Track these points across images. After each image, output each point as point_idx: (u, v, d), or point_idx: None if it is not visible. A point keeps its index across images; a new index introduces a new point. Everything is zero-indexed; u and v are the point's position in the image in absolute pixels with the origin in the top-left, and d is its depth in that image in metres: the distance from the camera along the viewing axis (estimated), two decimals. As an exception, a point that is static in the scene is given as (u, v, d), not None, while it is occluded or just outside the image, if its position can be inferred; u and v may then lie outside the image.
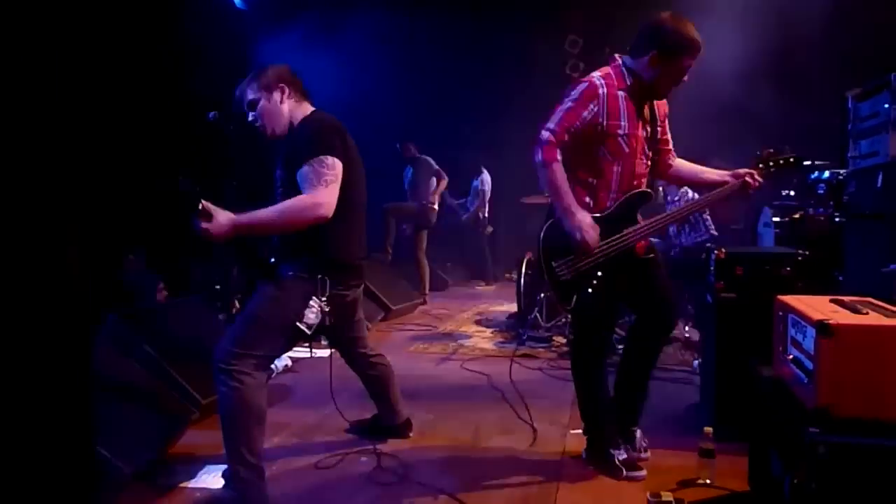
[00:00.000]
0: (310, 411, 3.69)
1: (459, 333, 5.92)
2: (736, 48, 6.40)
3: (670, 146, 3.05)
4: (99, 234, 4.56)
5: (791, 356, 2.24)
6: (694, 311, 5.00)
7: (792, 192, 5.18)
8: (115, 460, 2.59)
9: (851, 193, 3.95)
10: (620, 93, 2.77)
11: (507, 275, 9.14)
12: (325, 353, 3.30)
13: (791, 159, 2.88)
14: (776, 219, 4.89)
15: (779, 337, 2.39)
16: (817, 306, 2.17)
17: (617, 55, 2.86)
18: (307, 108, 2.86)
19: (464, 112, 8.88)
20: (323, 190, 2.59)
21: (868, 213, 3.60)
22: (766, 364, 2.54)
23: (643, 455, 2.97)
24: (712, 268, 3.29)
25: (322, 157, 2.61)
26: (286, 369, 4.50)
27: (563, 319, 5.38)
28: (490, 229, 9.13)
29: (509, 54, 8.59)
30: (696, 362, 4.38)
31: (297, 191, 2.62)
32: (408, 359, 4.97)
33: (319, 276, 2.71)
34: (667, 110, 3.01)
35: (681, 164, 3.08)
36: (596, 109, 2.73)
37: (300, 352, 4.50)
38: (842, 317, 2.03)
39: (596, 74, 2.81)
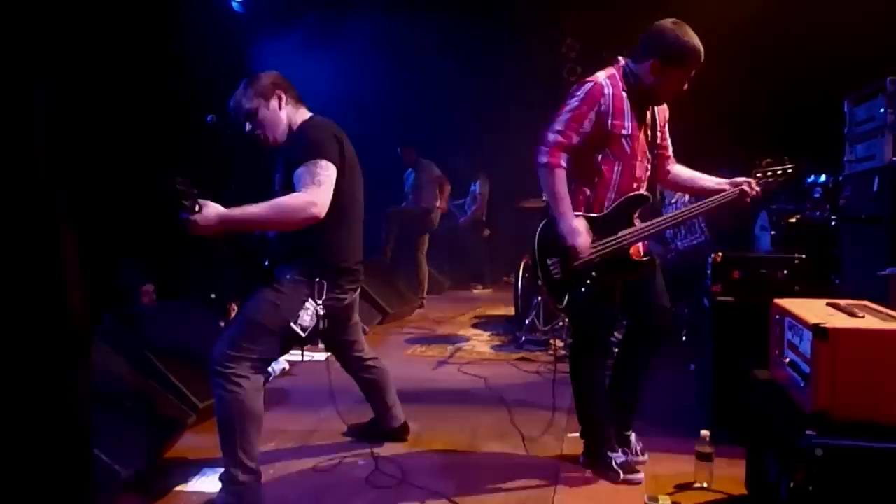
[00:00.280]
0: (307, 415, 3.69)
1: (457, 337, 5.92)
2: (732, 52, 6.41)
3: (669, 152, 3.06)
4: (95, 236, 4.56)
5: (788, 360, 2.24)
6: (690, 314, 5.00)
7: (788, 196, 5.19)
8: (111, 464, 2.59)
9: (847, 197, 3.96)
10: (624, 94, 2.77)
11: (505, 278, 9.14)
12: (322, 356, 3.30)
13: (789, 169, 2.88)
14: (773, 222, 4.90)
15: (775, 340, 2.40)
16: (814, 310, 2.17)
17: (621, 57, 2.87)
18: (305, 113, 2.87)
19: (462, 115, 8.88)
20: (316, 189, 2.58)
21: (864, 217, 3.61)
22: (763, 367, 2.55)
23: (641, 458, 2.97)
24: (709, 271, 3.30)
25: (317, 159, 2.62)
26: (283, 373, 4.50)
27: (561, 323, 5.38)
28: (487, 232, 9.14)
29: (507, 58, 8.59)
30: (692, 365, 4.38)
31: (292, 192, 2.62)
32: (405, 362, 4.97)
33: (316, 280, 2.71)
34: (667, 116, 3.01)
35: (679, 170, 3.09)
36: (602, 109, 2.73)
37: (297, 355, 4.49)
38: (838, 320, 2.04)
39: (601, 74, 2.81)
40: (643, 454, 2.99)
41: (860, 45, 5.86)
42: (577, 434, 3.07)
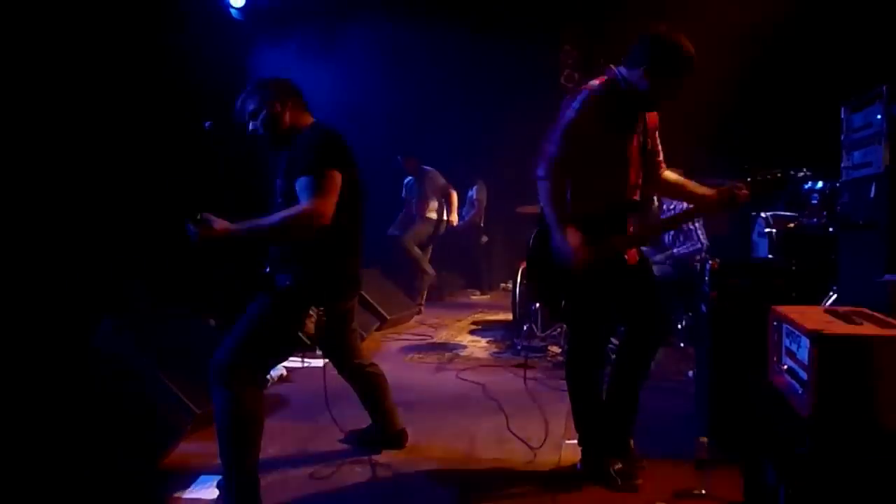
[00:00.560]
0: (305, 421, 3.68)
1: (455, 343, 5.92)
2: (729, 59, 6.43)
3: (661, 157, 3.06)
4: (95, 241, 4.56)
5: (785, 366, 2.24)
6: (688, 320, 5.01)
7: (786, 202, 5.20)
8: (109, 470, 2.58)
9: (844, 204, 3.96)
10: (617, 101, 2.78)
11: (503, 284, 9.14)
12: (319, 362, 3.30)
13: (779, 175, 2.90)
14: (770, 229, 4.90)
15: (773, 347, 2.40)
16: (811, 316, 2.17)
17: (612, 65, 2.88)
18: (308, 120, 2.88)
19: (459, 122, 8.89)
20: (320, 199, 2.59)
21: (861, 224, 3.61)
22: (761, 374, 2.54)
23: (638, 465, 2.96)
24: (707, 278, 3.30)
25: (322, 167, 2.62)
26: (281, 379, 4.48)
27: (559, 329, 5.38)
28: (485, 238, 9.14)
29: (505, 65, 8.61)
30: (690, 372, 4.38)
31: (296, 200, 2.62)
32: (403, 368, 4.96)
33: (316, 286, 2.71)
34: (657, 122, 3.02)
35: (669, 176, 3.09)
36: (596, 117, 2.74)
37: (294, 362, 4.49)
38: (836, 327, 2.03)
39: (594, 83, 2.83)
40: (641, 461, 2.99)
41: (858, 51, 5.88)
42: (575, 441, 3.06)
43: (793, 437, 2.03)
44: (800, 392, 2.09)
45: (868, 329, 2.03)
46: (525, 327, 5.57)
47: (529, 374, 4.70)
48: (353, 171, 2.82)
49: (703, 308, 3.40)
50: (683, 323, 5.11)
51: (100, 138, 4.74)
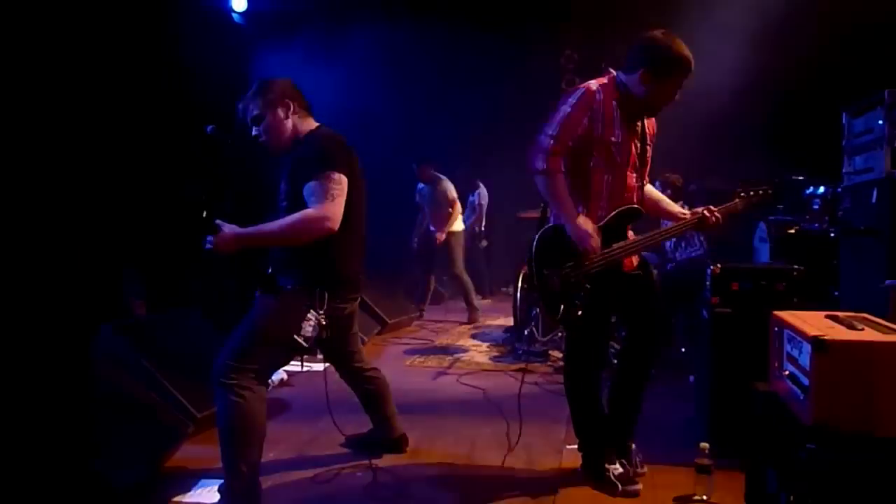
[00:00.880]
0: (305, 426, 3.68)
1: (455, 347, 5.92)
2: (731, 64, 6.44)
3: (647, 169, 3.06)
4: (96, 246, 4.56)
5: (787, 372, 2.24)
6: (688, 325, 5.00)
7: (787, 207, 5.21)
8: (109, 473, 2.58)
9: (846, 209, 3.97)
10: (615, 103, 2.79)
11: (504, 289, 9.13)
12: (320, 367, 3.30)
13: (769, 191, 2.94)
14: (771, 234, 4.90)
15: (774, 352, 2.39)
16: (813, 322, 2.17)
17: (611, 69, 2.88)
18: (311, 123, 2.88)
19: (460, 126, 8.90)
20: (329, 204, 2.60)
21: (863, 229, 3.61)
22: (762, 379, 2.54)
23: (639, 470, 2.96)
24: (708, 283, 3.30)
25: (329, 172, 2.63)
26: (282, 383, 4.49)
27: (560, 334, 5.37)
28: (486, 243, 9.14)
29: (506, 69, 8.62)
30: (691, 377, 4.38)
31: (302, 205, 2.63)
32: (404, 373, 4.96)
33: (318, 289, 2.71)
34: (654, 131, 3.02)
35: (649, 191, 3.10)
36: (593, 116, 2.74)
37: (295, 366, 4.49)
38: (837, 333, 2.03)
39: (592, 82, 2.83)
40: (642, 466, 2.98)
41: (859, 56, 5.89)
42: (576, 446, 3.06)
43: (794, 443, 2.03)
44: (801, 398, 2.09)
45: (869, 335, 2.03)
46: (526, 332, 5.57)
47: (530, 378, 4.70)
48: (357, 174, 2.82)
49: (704, 313, 3.39)
50: (684, 328, 5.10)
51: (103, 143, 4.75)
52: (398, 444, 3.32)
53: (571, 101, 2.77)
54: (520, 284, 5.87)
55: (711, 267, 3.30)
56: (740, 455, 2.69)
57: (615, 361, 3.20)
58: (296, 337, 2.67)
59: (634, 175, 2.89)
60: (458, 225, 7.40)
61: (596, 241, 2.72)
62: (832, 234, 4.32)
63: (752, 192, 2.95)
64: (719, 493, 2.75)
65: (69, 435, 2.73)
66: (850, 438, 1.94)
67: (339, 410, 3.36)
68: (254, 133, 2.84)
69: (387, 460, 3.23)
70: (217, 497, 2.71)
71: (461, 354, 5.60)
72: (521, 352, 5.42)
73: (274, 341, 2.68)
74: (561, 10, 8.21)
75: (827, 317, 2.25)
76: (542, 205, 2.98)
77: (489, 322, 7.16)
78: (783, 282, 3.22)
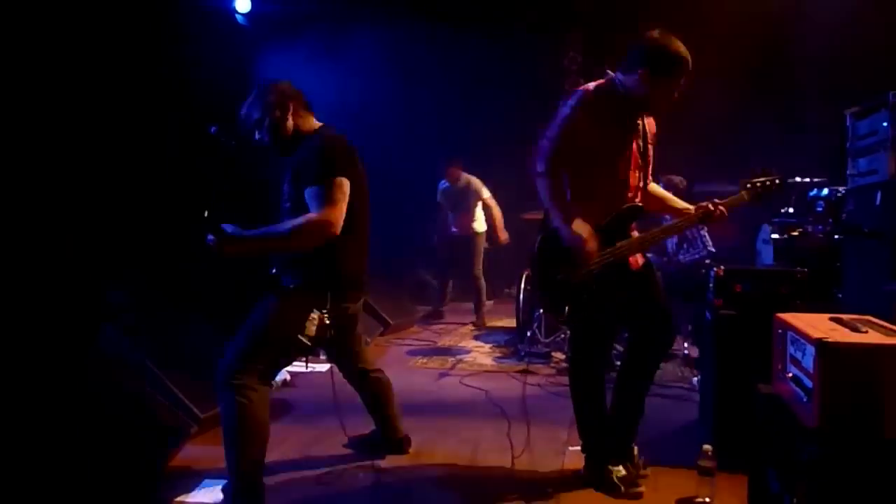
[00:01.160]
0: (308, 426, 3.68)
1: (458, 348, 5.91)
2: (734, 66, 6.44)
3: (650, 169, 3.06)
4: (98, 246, 4.57)
5: (790, 374, 2.23)
6: (692, 327, 5.00)
7: (791, 209, 5.20)
8: (113, 474, 2.58)
9: (850, 211, 3.96)
10: (614, 104, 2.79)
11: (507, 290, 9.12)
12: (324, 367, 3.30)
13: (777, 181, 2.92)
14: (775, 236, 4.90)
15: (778, 355, 2.39)
16: (816, 324, 2.17)
17: (609, 71, 2.89)
18: (314, 124, 2.88)
19: (463, 127, 8.90)
20: (332, 209, 2.61)
21: (867, 232, 3.61)
22: (766, 382, 2.54)
23: (642, 472, 2.96)
24: (711, 285, 3.30)
25: (330, 176, 2.63)
26: (285, 384, 4.49)
27: (563, 335, 5.37)
28: (486, 245, 9.12)
29: (510, 71, 8.62)
30: (694, 379, 4.37)
31: (304, 207, 2.63)
32: (407, 374, 4.96)
33: (321, 289, 2.72)
34: (655, 130, 3.03)
35: (653, 189, 3.10)
36: (593, 117, 2.75)
37: (298, 366, 4.49)
38: (841, 335, 2.03)
39: (591, 84, 2.84)
40: (645, 468, 2.98)
41: (863, 58, 5.88)
42: (579, 448, 3.06)
43: (797, 446, 2.03)
44: (805, 400, 2.08)
45: (873, 337, 2.03)
46: (529, 333, 5.57)
47: (533, 380, 4.70)
48: (360, 175, 2.83)
49: (708, 315, 3.39)
50: (688, 330, 5.10)
51: (107, 144, 4.76)
52: (401, 445, 3.32)
53: (570, 103, 2.78)
54: (523, 286, 5.87)
55: (715, 269, 3.29)
56: (743, 458, 2.69)
57: (618, 364, 3.19)
58: (299, 337, 2.68)
59: (637, 174, 2.89)
60: (482, 226, 7.22)
61: (591, 245, 2.71)
62: (836, 237, 4.31)
63: (758, 183, 2.93)
64: (722, 495, 2.75)
65: (72, 434, 2.74)
66: (854, 441, 1.94)
67: (343, 411, 3.37)
68: (257, 137, 2.85)
69: (390, 461, 3.23)
70: (220, 497, 2.72)
71: (464, 356, 5.60)
72: (523, 353, 5.42)
73: (277, 341, 2.68)
74: (565, 12, 8.22)
75: (831, 319, 2.25)
76: (545, 207, 2.98)
77: (492, 323, 7.16)
78: (787, 284, 3.21)
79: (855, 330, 2.08)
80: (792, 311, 2.45)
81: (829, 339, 1.97)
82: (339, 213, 2.63)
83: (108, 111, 4.83)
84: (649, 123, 2.99)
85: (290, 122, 2.82)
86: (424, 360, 5.41)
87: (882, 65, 5.27)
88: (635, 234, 2.89)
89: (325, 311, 2.72)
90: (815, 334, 2.02)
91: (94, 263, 4.44)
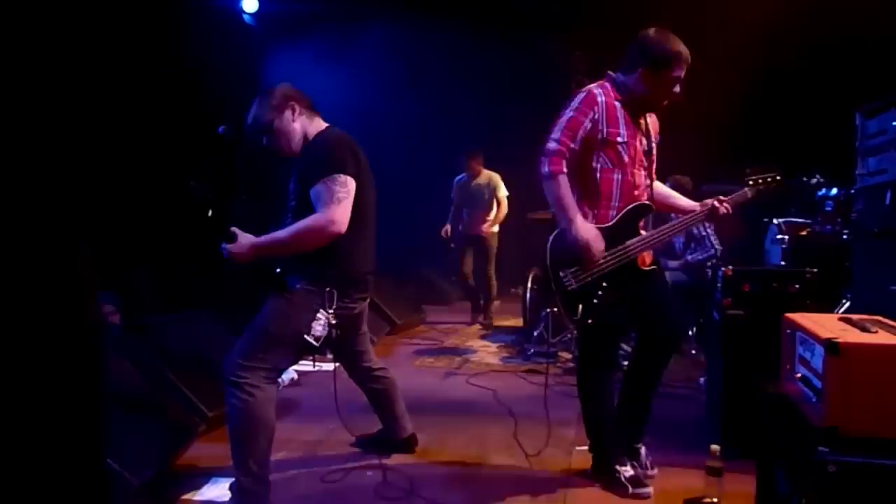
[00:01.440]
0: (315, 425, 3.69)
1: (465, 348, 5.92)
2: (742, 65, 6.42)
3: (654, 168, 3.06)
4: (108, 246, 4.59)
5: (799, 374, 2.22)
6: (700, 327, 4.99)
7: (800, 209, 5.18)
8: (122, 471, 2.59)
9: (859, 211, 3.94)
10: (617, 103, 2.82)
11: (513, 290, 9.12)
12: (330, 366, 3.30)
13: (777, 177, 2.93)
14: (784, 235, 4.88)
15: (787, 355, 2.38)
16: (826, 324, 2.16)
17: (609, 72, 2.91)
18: (320, 124, 2.89)
19: (469, 127, 8.91)
20: (336, 208, 2.62)
21: (876, 231, 3.59)
22: (774, 382, 2.53)
23: (650, 472, 2.95)
24: (719, 284, 3.29)
25: (335, 175, 2.64)
26: (292, 383, 4.50)
27: (569, 335, 5.36)
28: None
29: (516, 70, 8.63)
30: (702, 379, 4.36)
31: (309, 205, 2.64)
32: (413, 373, 4.96)
33: (327, 289, 2.72)
34: (658, 129, 3.03)
35: (658, 187, 3.10)
36: (596, 117, 2.77)
37: (306, 365, 4.50)
38: (850, 335, 2.02)
39: (593, 85, 2.87)
40: (652, 468, 2.98)
41: (873, 57, 5.85)
42: (586, 447, 3.05)
43: (806, 446, 2.02)
44: (813, 400, 2.07)
45: (883, 337, 2.02)
46: (535, 333, 5.56)
47: (539, 379, 4.69)
48: (366, 174, 2.83)
49: (716, 315, 3.38)
50: (695, 330, 5.09)
51: (115, 144, 4.78)
52: (407, 444, 3.33)
53: (574, 104, 2.81)
54: (529, 285, 5.87)
55: (723, 269, 3.28)
56: (751, 458, 2.68)
57: (625, 364, 3.18)
58: (305, 336, 2.69)
59: (642, 173, 2.91)
60: (495, 226, 6.99)
61: (596, 247, 2.71)
62: (845, 237, 4.29)
63: (760, 180, 2.95)
64: (730, 495, 2.73)
65: (79, 432, 2.74)
66: (863, 441, 1.93)
67: (349, 410, 3.37)
68: (264, 143, 2.86)
69: (396, 460, 3.23)
70: (228, 495, 2.72)
71: (470, 355, 5.60)
72: (530, 353, 5.41)
73: (284, 341, 2.69)
74: (572, 11, 8.21)
75: (840, 319, 2.24)
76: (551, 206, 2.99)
77: (498, 323, 7.16)
78: (795, 284, 3.20)
79: (864, 330, 2.07)
80: (801, 311, 2.44)
81: (839, 339, 1.96)
82: (344, 211, 2.64)
83: (116, 110, 4.85)
84: (653, 122, 3.00)
85: (297, 123, 2.83)
86: (431, 360, 5.42)
87: (892, 63, 5.25)
88: (643, 232, 2.89)
89: (331, 310, 2.73)
90: (825, 334, 2.01)
91: (105, 261, 4.46)
